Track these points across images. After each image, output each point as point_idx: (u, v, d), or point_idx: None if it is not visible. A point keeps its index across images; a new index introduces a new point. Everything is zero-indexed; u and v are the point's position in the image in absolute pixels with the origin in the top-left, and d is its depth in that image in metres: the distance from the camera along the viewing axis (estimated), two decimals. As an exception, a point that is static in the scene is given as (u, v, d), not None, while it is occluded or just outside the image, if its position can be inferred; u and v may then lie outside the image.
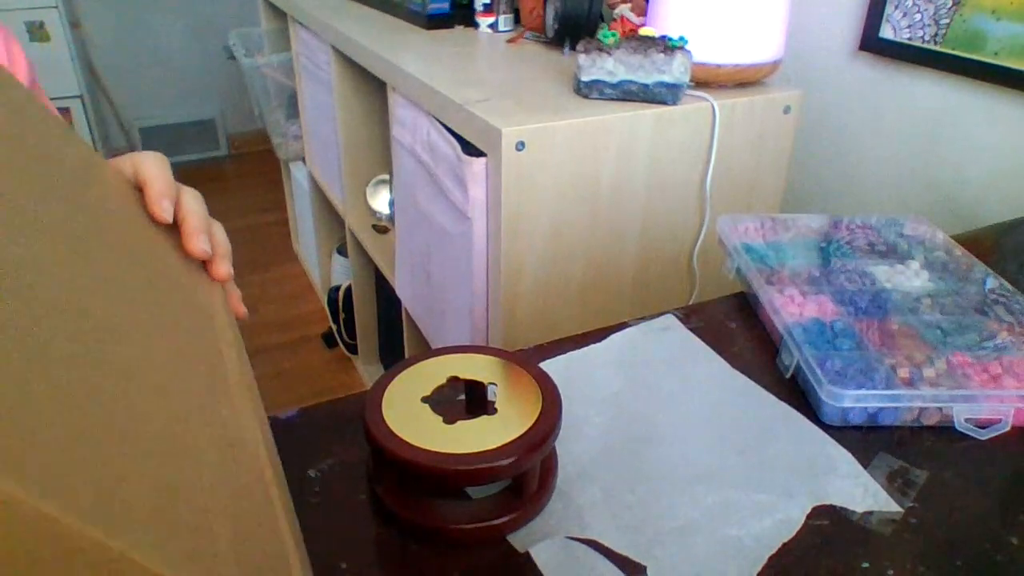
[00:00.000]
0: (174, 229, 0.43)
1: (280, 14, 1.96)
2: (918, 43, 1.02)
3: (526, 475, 0.43)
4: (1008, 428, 0.50)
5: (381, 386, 0.46)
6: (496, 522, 0.43)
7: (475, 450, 0.41)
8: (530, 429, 0.42)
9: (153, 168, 0.43)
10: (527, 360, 0.48)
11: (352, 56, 1.36)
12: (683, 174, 0.99)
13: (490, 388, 0.47)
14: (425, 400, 0.45)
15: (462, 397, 0.50)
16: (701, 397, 0.54)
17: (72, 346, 0.23)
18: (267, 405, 0.44)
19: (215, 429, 0.28)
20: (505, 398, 0.45)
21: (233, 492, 0.25)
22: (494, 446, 0.41)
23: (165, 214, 0.41)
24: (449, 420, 0.43)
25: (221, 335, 0.37)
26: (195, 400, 0.28)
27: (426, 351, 0.50)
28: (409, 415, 0.44)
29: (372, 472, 0.46)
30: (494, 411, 0.44)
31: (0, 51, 0.65)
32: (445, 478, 0.40)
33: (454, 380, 0.47)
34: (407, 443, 0.41)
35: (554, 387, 0.46)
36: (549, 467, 0.46)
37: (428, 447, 0.41)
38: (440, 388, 0.47)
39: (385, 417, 0.43)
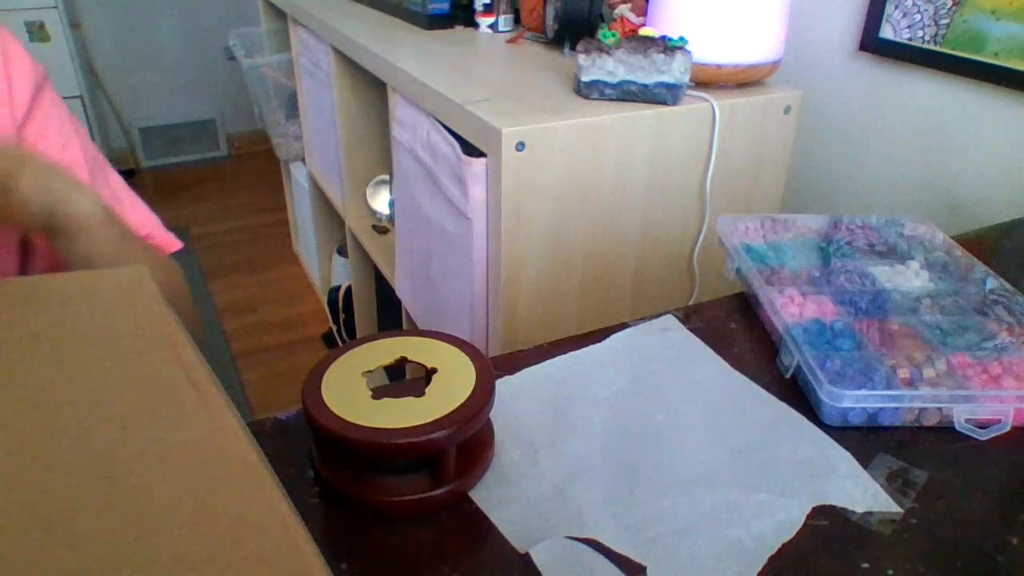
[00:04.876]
0: None
1: (280, 14, 1.96)
2: (918, 43, 1.02)
3: (443, 457, 0.44)
4: (1008, 428, 0.50)
5: (334, 356, 0.48)
6: (400, 499, 0.44)
7: (381, 425, 0.42)
8: (437, 420, 0.43)
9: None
10: (480, 354, 0.49)
11: (352, 56, 1.36)
12: (683, 174, 0.99)
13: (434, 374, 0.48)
14: (365, 374, 0.47)
15: (413, 377, 0.51)
16: (701, 397, 0.54)
17: None
18: (267, 405, 0.44)
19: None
20: (441, 386, 0.46)
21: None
22: (397, 426, 0.42)
23: None
24: (376, 396, 0.45)
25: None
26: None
27: (383, 332, 0.51)
28: (344, 386, 0.46)
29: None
30: (422, 394, 0.45)
31: None
32: (336, 442, 0.42)
33: (404, 360, 0.49)
34: (327, 408, 0.43)
35: (490, 386, 0.46)
36: (474, 456, 0.46)
37: (344, 416, 0.43)
38: (388, 366, 0.48)
39: (323, 383, 0.45)
